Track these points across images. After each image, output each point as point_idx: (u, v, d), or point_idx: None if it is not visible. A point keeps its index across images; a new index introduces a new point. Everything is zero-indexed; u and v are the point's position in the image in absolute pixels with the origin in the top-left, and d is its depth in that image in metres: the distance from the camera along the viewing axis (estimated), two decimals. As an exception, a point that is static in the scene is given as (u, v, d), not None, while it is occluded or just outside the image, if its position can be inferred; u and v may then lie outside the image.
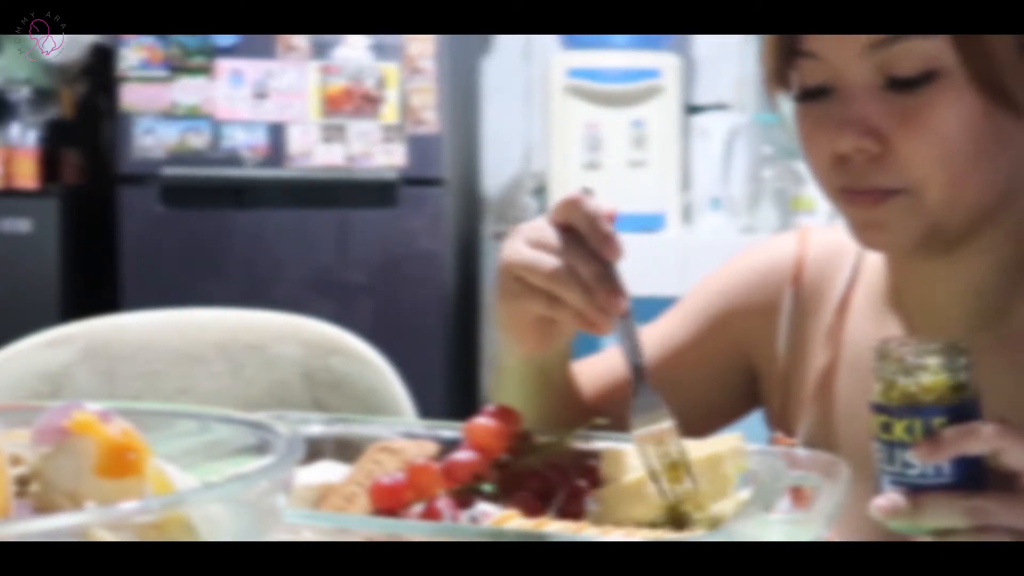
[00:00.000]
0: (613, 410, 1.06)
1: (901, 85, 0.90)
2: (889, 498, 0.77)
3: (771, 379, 1.10)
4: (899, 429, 0.76)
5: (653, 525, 0.78)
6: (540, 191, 3.32)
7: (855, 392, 1.02)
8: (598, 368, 1.13)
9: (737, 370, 1.12)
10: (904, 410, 0.76)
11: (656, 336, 1.13)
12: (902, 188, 0.91)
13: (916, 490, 0.76)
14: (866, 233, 0.95)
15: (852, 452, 0.99)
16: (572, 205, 0.90)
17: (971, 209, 0.92)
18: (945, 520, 0.75)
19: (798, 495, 0.84)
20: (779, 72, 0.97)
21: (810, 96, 0.95)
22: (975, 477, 0.76)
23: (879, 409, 0.78)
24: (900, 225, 0.92)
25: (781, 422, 1.08)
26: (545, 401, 1.03)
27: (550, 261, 0.89)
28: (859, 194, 0.93)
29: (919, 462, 0.76)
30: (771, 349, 1.09)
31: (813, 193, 3.04)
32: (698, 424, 1.08)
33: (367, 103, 3.17)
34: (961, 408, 0.76)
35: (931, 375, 0.76)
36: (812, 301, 1.08)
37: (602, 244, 0.88)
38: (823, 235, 1.11)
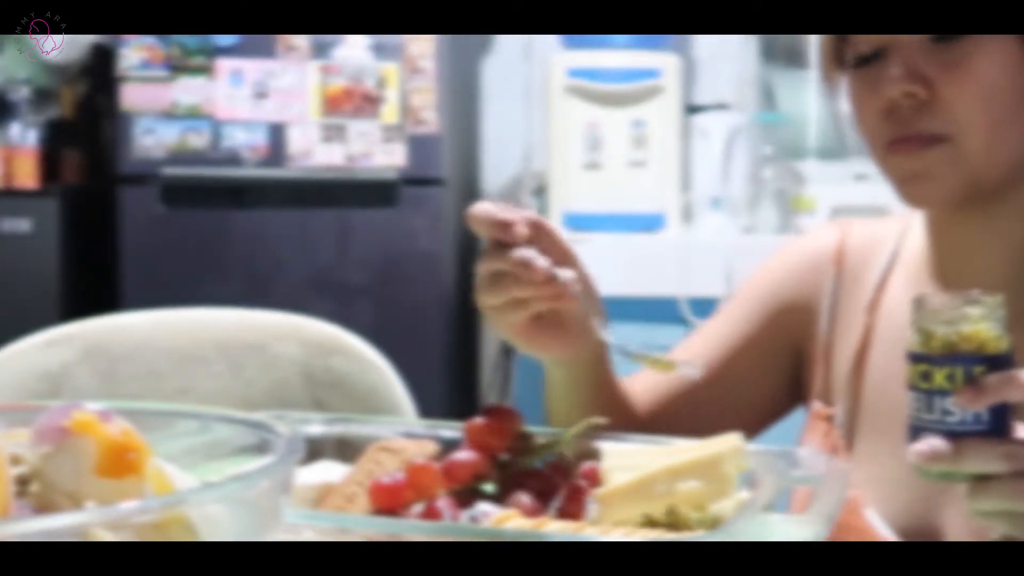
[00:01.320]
0: (668, 421, 1.10)
1: (946, 38, 0.96)
2: (929, 443, 0.78)
3: (814, 357, 1.13)
4: (939, 377, 0.78)
5: (653, 525, 0.78)
6: (540, 191, 3.32)
7: (890, 362, 1.06)
8: (651, 380, 1.16)
9: (788, 364, 1.16)
10: (945, 358, 0.78)
11: (712, 334, 1.17)
12: (946, 135, 0.96)
13: (955, 436, 0.77)
14: (909, 185, 1.00)
15: (886, 420, 1.04)
16: (473, 222, 0.93)
17: (1009, 162, 0.98)
18: (984, 465, 0.77)
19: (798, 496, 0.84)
20: (835, 50, 1.02)
21: (865, 62, 1.00)
22: (1009, 426, 0.78)
23: (919, 358, 0.79)
24: (942, 175, 0.97)
25: (821, 394, 1.12)
26: (591, 406, 1.05)
27: (486, 269, 0.94)
28: (904, 141, 0.98)
29: (959, 409, 0.77)
30: (816, 328, 1.13)
31: (813, 193, 3.04)
32: (751, 418, 1.14)
33: (367, 103, 3.17)
34: (1001, 358, 0.78)
35: (972, 324, 0.78)
36: (853, 280, 1.12)
37: (504, 232, 0.92)
38: (864, 226, 1.17)
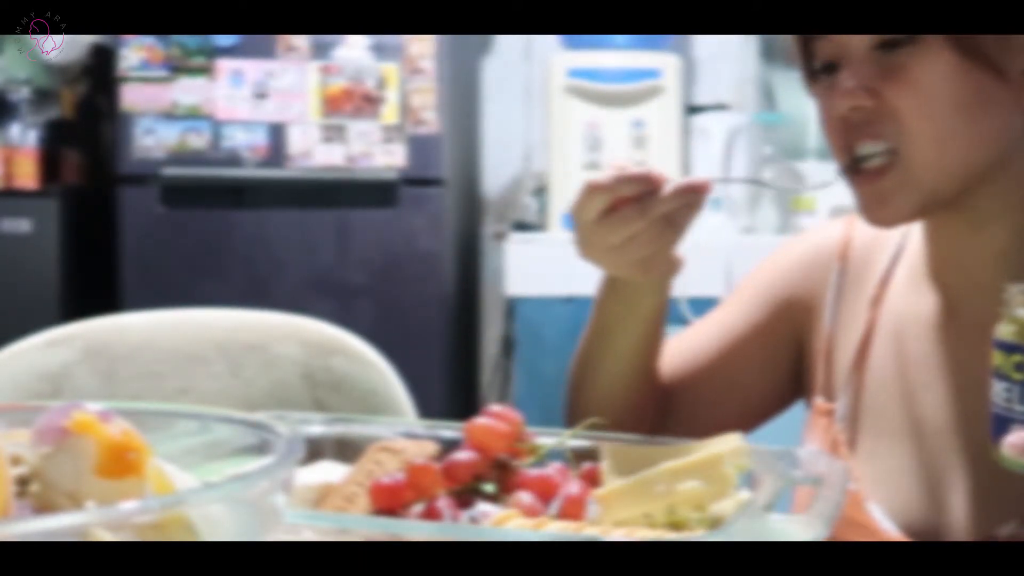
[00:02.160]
0: (678, 396, 1.15)
1: (890, 46, 0.96)
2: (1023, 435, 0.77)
3: (816, 351, 1.14)
4: None
5: (653, 525, 0.78)
6: (540, 191, 3.32)
7: (892, 357, 1.07)
8: (683, 344, 1.19)
9: (790, 358, 1.17)
10: None
11: (713, 327, 1.19)
12: (893, 147, 0.96)
13: None
14: (871, 210, 1.00)
15: (888, 416, 1.05)
16: (616, 183, 0.99)
17: (959, 170, 0.98)
18: None
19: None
20: (804, 62, 1.03)
21: (824, 72, 1.01)
22: None
23: (1012, 348, 0.78)
24: (896, 199, 0.98)
25: (823, 390, 1.12)
26: (643, 343, 1.11)
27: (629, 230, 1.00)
28: (857, 173, 0.99)
29: None
30: (819, 323, 1.14)
31: (813, 193, 3.04)
32: (753, 412, 1.15)
33: (367, 103, 3.17)
34: None
35: None
36: (857, 275, 1.13)
37: (640, 183, 0.99)
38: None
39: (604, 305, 1.12)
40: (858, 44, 0.97)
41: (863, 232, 1.14)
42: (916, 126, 0.96)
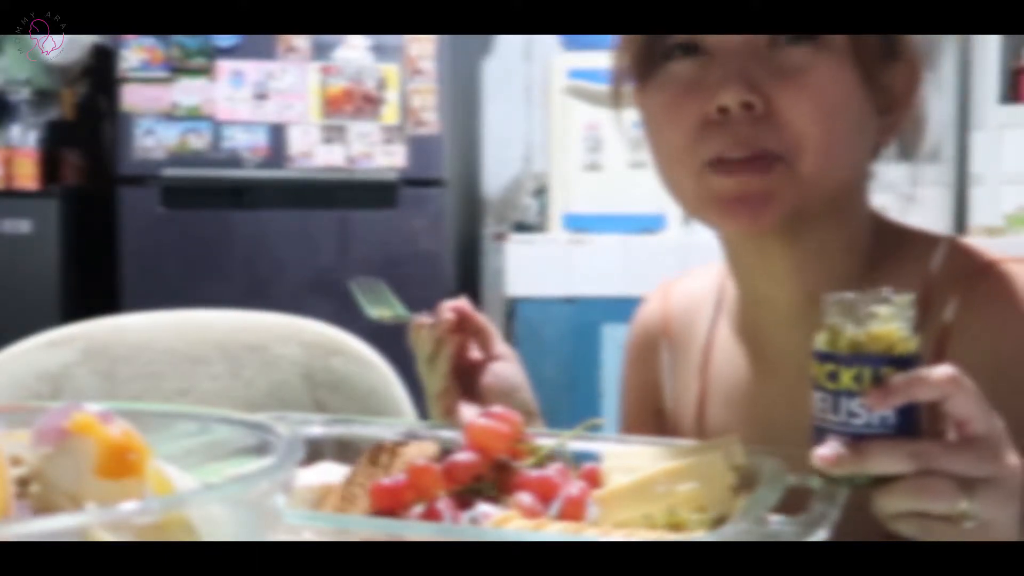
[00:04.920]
0: None
1: (782, 44, 0.91)
2: (832, 447, 0.76)
3: (666, 422, 1.14)
4: (847, 377, 0.75)
5: (653, 526, 0.78)
6: (540, 192, 3.32)
7: (724, 419, 1.06)
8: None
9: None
10: (853, 358, 0.75)
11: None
12: (779, 153, 0.90)
13: (859, 439, 0.75)
14: (738, 206, 0.93)
15: None
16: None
17: (835, 186, 0.94)
18: (888, 466, 0.74)
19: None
20: (648, 45, 0.96)
21: (680, 54, 0.94)
22: (917, 428, 0.75)
23: (826, 358, 0.77)
24: (782, 195, 0.92)
25: None
26: None
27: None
28: (742, 162, 0.91)
29: (866, 411, 0.75)
30: (663, 399, 1.15)
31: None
32: None
33: (367, 104, 3.17)
34: (909, 359, 0.76)
35: (881, 324, 0.76)
36: (682, 345, 1.13)
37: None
38: (683, 285, 1.17)
39: None
40: (740, 37, 0.91)
41: (679, 298, 1.14)
42: (808, 131, 0.90)
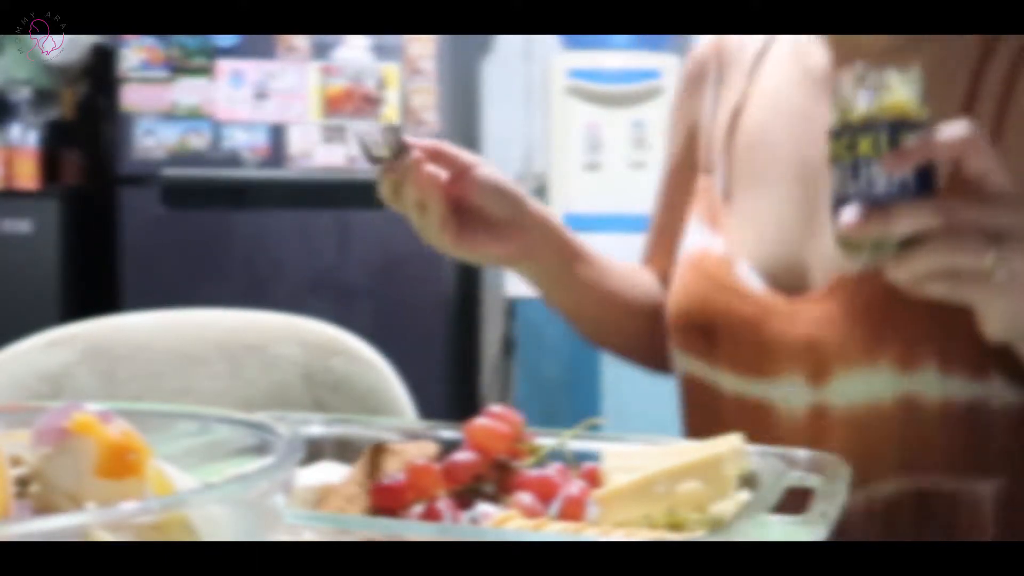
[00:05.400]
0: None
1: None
2: (856, 210, 0.76)
3: (702, 135, 1.14)
4: (864, 145, 0.77)
5: (653, 526, 0.78)
6: (540, 191, 3.32)
7: (764, 113, 1.07)
8: (661, 237, 1.23)
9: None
10: (868, 126, 0.77)
11: (663, 203, 1.23)
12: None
13: (881, 205, 0.76)
14: None
15: (758, 166, 1.05)
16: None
17: None
18: (915, 223, 0.75)
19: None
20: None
21: None
22: (936, 192, 0.77)
23: (841, 132, 0.78)
24: None
25: (705, 167, 1.13)
26: (586, 303, 1.14)
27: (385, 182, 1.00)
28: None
29: (885, 176, 0.76)
30: (704, 116, 1.15)
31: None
32: None
33: (367, 104, 3.18)
34: (923, 124, 0.77)
35: (893, 93, 0.77)
36: (734, 56, 1.13)
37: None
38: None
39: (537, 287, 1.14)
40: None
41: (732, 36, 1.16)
42: None
